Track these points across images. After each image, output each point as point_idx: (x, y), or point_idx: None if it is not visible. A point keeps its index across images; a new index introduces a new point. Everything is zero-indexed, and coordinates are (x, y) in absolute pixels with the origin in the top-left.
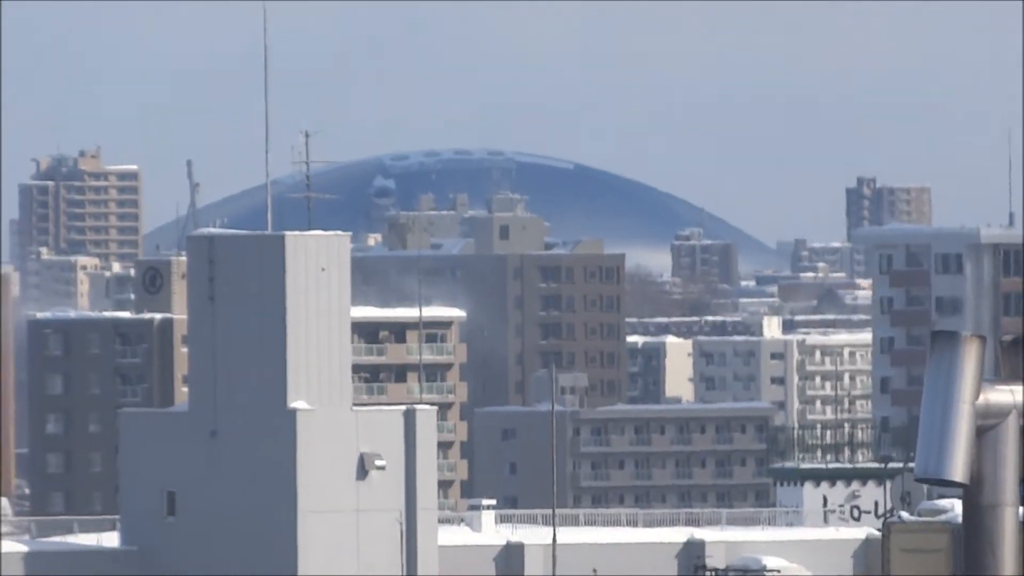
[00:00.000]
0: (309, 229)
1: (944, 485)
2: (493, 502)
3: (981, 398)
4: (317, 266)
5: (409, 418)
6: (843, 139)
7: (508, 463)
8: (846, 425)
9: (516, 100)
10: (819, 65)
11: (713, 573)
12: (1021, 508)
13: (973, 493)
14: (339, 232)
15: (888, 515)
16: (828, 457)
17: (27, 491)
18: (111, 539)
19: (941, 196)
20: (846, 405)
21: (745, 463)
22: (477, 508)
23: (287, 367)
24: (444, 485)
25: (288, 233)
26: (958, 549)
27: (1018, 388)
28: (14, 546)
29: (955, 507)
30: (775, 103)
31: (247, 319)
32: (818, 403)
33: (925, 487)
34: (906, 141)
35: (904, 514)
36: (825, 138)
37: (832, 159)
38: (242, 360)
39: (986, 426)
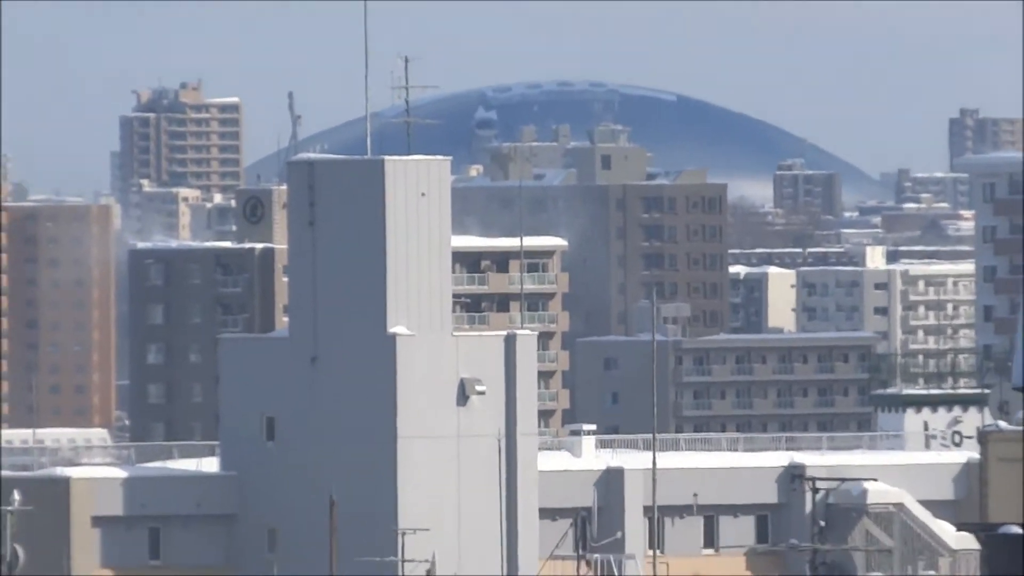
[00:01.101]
0: (409, 155)
1: None
2: (594, 427)
3: None
4: (417, 191)
5: (510, 343)
6: (946, 69)
7: (610, 393)
8: (949, 355)
9: (618, 31)
10: None
11: (812, 482)
12: None
13: None
14: (439, 156)
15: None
16: (930, 385)
17: (127, 422)
18: (211, 464)
19: None
20: (949, 334)
21: (847, 392)
22: (578, 434)
23: (387, 292)
24: (545, 414)
25: (388, 158)
26: None
27: None
28: (114, 471)
29: None
30: (879, 33)
31: (347, 244)
32: (921, 333)
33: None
34: (1010, 71)
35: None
36: (928, 68)
37: (935, 90)
38: (342, 285)
39: None
